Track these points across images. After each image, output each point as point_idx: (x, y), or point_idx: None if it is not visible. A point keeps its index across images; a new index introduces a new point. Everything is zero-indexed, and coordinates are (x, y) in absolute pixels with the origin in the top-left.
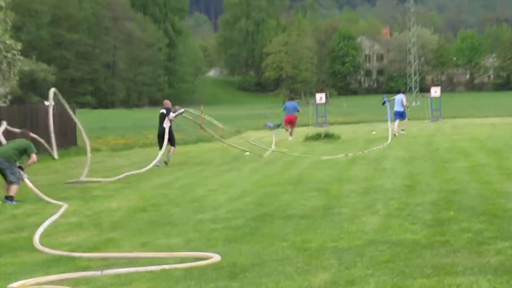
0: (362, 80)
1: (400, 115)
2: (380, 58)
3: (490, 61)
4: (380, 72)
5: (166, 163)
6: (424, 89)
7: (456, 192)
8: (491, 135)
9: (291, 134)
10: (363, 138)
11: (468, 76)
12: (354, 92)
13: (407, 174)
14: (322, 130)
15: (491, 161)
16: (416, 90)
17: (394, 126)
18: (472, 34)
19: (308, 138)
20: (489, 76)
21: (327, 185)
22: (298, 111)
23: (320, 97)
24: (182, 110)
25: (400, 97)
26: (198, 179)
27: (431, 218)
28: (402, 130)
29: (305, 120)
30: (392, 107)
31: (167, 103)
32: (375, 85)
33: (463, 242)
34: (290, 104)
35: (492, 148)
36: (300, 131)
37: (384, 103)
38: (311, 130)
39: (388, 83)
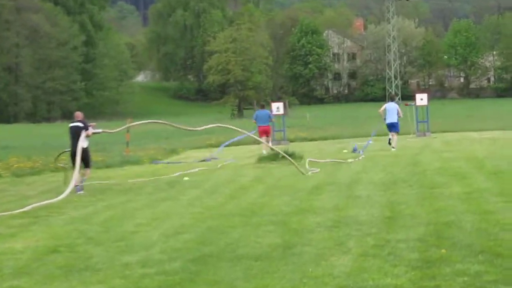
0: (330, 85)
1: (395, 128)
2: (352, 57)
3: (490, 59)
4: (352, 75)
5: (78, 190)
6: (408, 96)
7: (448, 225)
8: (491, 153)
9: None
10: (332, 158)
11: (462, 79)
12: (320, 101)
13: (387, 203)
14: (279, 148)
15: (492, 185)
16: (398, 97)
17: (393, 141)
18: (468, 26)
19: (262, 159)
20: (488, 79)
21: (286, 217)
22: (271, 120)
23: (277, 107)
24: (100, 130)
25: (394, 106)
26: (125, 211)
27: (418, 258)
28: (393, 147)
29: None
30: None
31: (79, 115)
32: (346, 91)
33: (458, 287)
34: (262, 113)
35: (493, 170)
36: (251, 151)
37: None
38: (266, 149)
39: (363, 89)
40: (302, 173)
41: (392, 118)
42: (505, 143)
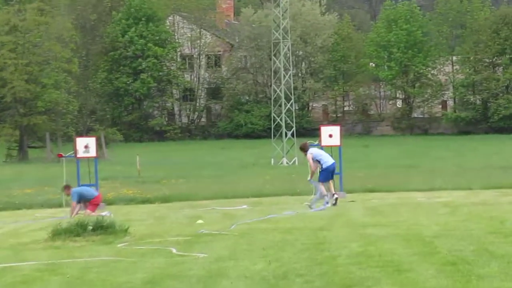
0: (177, 109)
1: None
2: (215, 63)
3: (447, 70)
4: (215, 93)
5: None
6: (308, 131)
7: None
8: (448, 229)
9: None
10: (175, 232)
11: (400, 102)
12: (160, 135)
13: None
14: (89, 216)
15: (447, 284)
16: (290, 132)
17: (331, 189)
18: (409, 14)
19: (60, 234)
20: (444, 103)
21: None
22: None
23: (86, 146)
24: None
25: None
26: None
27: None
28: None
29: (46, 195)
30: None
31: None
32: (204, 119)
33: None
34: (86, 188)
35: (450, 257)
36: (40, 218)
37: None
38: (68, 216)
39: (232, 117)
40: None
41: (331, 161)
42: (471, 212)
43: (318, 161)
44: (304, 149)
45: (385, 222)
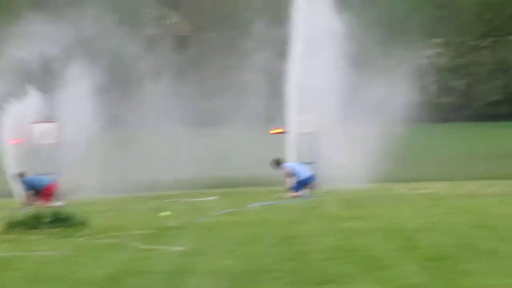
0: None
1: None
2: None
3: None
4: None
5: None
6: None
7: None
8: (430, 223)
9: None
10: (139, 226)
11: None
12: None
13: None
14: (47, 208)
15: (428, 281)
16: None
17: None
18: None
19: (15, 226)
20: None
21: None
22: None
23: (43, 132)
24: None
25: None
26: None
27: None
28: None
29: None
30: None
31: None
32: None
33: None
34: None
35: (432, 253)
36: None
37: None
38: (24, 208)
39: None
40: None
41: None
42: (455, 204)
43: (294, 174)
44: (278, 164)
45: (362, 215)
